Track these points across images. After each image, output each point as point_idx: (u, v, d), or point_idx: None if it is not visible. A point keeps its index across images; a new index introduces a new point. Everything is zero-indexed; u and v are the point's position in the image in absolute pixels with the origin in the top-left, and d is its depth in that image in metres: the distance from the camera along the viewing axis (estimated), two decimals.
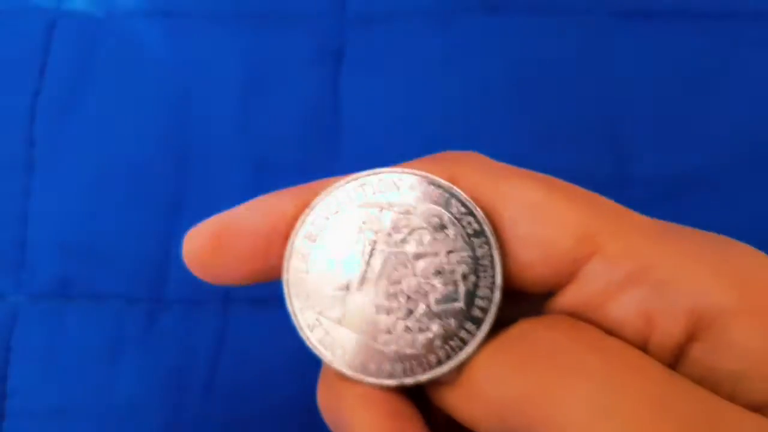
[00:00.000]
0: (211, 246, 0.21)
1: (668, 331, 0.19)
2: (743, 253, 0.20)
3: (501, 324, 0.20)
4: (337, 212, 0.21)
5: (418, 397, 0.21)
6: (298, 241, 0.21)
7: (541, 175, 0.21)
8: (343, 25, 0.36)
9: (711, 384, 0.18)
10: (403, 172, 0.21)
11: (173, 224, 0.33)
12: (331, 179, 0.22)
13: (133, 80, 0.35)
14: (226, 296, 0.33)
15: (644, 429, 0.16)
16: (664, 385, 0.17)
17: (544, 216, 0.20)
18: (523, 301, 0.21)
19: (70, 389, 0.31)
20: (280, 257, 0.21)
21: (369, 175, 0.22)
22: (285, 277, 0.21)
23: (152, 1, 0.36)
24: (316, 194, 0.22)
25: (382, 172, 0.22)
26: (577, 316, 0.20)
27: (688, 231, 0.20)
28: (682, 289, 0.19)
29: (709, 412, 0.17)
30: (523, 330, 0.20)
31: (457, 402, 0.20)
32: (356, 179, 0.22)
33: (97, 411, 0.31)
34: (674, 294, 0.19)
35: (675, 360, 0.19)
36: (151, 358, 0.32)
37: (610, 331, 0.19)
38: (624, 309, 0.19)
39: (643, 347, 0.19)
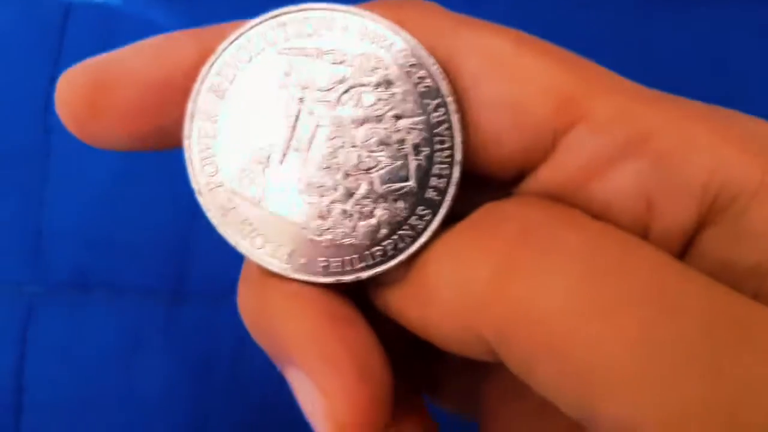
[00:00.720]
0: (86, 98, 0.16)
1: (674, 214, 0.15)
2: (760, 123, 0.16)
3: (455, 218, 0.16)
4: (250, 60, 0.16)
5: (357, 296, 0.17)
6: (203, 97, 0.16)
7: (510, 28, 0.17)
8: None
9: (728, 281, 0.14)
10: (335, 9, 0.16)
11: (194, 214, 0.32)
12: (247, 20, 0.17)
13: None
14: None
15: (651, 332, 0.12)
16: (670, 275, 0.13)
17: (515, 73, 0.16)
18: (481, 190, 0.17)
19: (88, 382, 0.31)
20: (176, 118, 0.17)
21: (291, 12, 0.16)
22: (186, 143, 0.17)
23: None
24: (224, 37, 0.17)
25: (309, 8, 0.16)
26: (553, 199, 0.16)
27: (686, 100, 0.16)
28: (692, 161, 0.15)
29: (732, 311, 0.13)
30: (487, 211, 0.16)
31: (406, 305, 0.16)
32: (275, 17, 0.17)
33: (116, 404, 0.30)
34: (682, 167, 0.15)
35: (681, 253, 0.15)
36: (172, 351, 0.31)
37: (597, 218, 0.15)
38: (616, 187, 0.15)
39: (641, 237, 0.15)
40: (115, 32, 0.34)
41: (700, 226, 0.15)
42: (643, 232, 0.15)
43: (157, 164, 0.32)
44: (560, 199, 0.16)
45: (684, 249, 0.15)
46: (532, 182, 0.16)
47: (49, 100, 0.33)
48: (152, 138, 0.17)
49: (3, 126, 0.33)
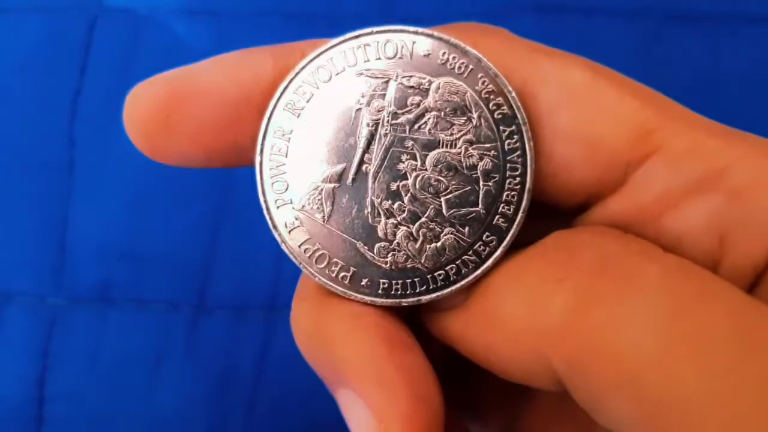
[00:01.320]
0: (159, 114, 0.16)
1: (746, 250, 0.15)
2: None
3: (517, 247, 0.16)
4: (329, 79, 0.16)
5: (410, 321, 0.17)
6: (278, 114, 0.16)
7: (584, 58, 0.17)
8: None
9: None
10: (418, 33, 0.16)
11: (217, 228, 0.32)
12: (324, 40, 0.17)
13: None
14: (270, 303, 0.31)
15: (731, 372, 0.12)
16: (750, 314, 0.13)
17: (591, 104, 0.16)
18: (546, 218, 0.17)
19: (110, 395, 0.30)
20: (252, 136, 0.17)
21: (373, 33, 0.17)
22: (258, 159, 0.17)
23: (197, 0, 0.35)
24: (302, 54, 0.17)
25: (391, 30, 0.17)
26: (624, 230, 0.16)
27: (756, 137, 0.16)
28: (766, 198, 0.15)
29: None
30: (559, 239, 0.15)
31: (468, 332, 0.16)
32: (356, 37, 0.17)
33: (139, 418, 0.30)
34: (756, 204, 0.15)
35: (750, 288, 0.15)
36: (195, 365, 0.31)
37: (668, 251, 0.15)
38: (690, 222, 0.15)
39: (711, 271, 0.15)
40: (141, 43, 0.35)
41: None
42: (713, 266, 0.15)
43: (180, 179, 0.32)
44: (629, 230, 0.16)
45: (753, 284, 0.15)
46: (600, 212, 0.16)
47: (75, 113, 0.33)
48: (225, 155, 0.17)
49: (28, 138, 0.33)
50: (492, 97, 0.16)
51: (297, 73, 0.17)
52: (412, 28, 0.17)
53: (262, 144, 0.17)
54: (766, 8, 0.35)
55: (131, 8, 0.35)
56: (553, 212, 0.17)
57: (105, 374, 0.31)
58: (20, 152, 0.33)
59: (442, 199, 0.16)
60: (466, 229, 0.16)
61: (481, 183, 0.16)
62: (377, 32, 0.17)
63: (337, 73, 0.17)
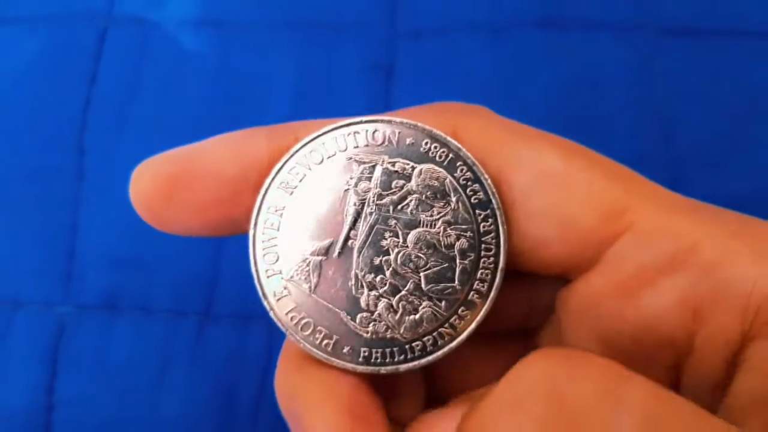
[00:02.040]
0: (163, 190, 0.17)
1: (720, 325, 0.16)
2: None
3: (498, 314, 0.18)
4: (321, 162, 0.18)
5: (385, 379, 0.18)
6: (272, 192, 0.18)
7: (557, 137, 0.18)
8: (394, 38, 0.35)
9: None
10: (403, 124, 0.18)
11: (222, 238, 0.32)
12: (316, 121, 0.18)
13: (184, 90, 0.34)
14: None
15: None
16: None
17: (562, 187, 0.17)
18: (530, 284, 0.18)
19: (118, 401, 0.31)
20: (247, 210, 0.18)
21: (363, 122, 0.18)
22: (251, 233, 0.18)
23: (203, 10, 0.36)
24: (295, 137, 0.18)
25: (379, 120, 0.18)
26: (604, 306, 0.17)
27: (724, 210, 0.17)
28: (737, 273, 0.15)
29: None
30: (514, 378, 0.15)
31: None
32: (348, 125, 0.18)
33: (146, 424, 0.30)
34: (727, 279, 0.15)
35: (728, 363, 0.16)
36: (200, 373, 0.31)
37: (646, 325, 0.16)
38: (664, 298, 0.16)
39: (688, 344, 0.16)
40: (150, 54, 0.35)
41: (746, 338, 0.15)
42: (689, 339, 0.16)
43: None
44: (608, 305, 0.17)
45: (733, 360, 0.16)
46: (582, 288, 0.17)
47: (84, 122, 0.34)
48: (224, 227, 0.18)
49: (38, 146, 0.34)
50: (469, 183, 0.18)
51: (292, 155, 0.18)
52: (398, 119, 0.18)
53: (256, 219, 0.18)
54: (765, 23, 0.36)
55: (140, 19, 0.36)
56: (536, 277, 0.18)
57: (112, 381, 0.31)
58: (30, 161, 0.34)
59: (422, 274, 0.18)
60: (443, 303, 0.18)
61: (457, 261, 0.18)
62: (366, 122, 0.18)
63: (329, 157, 0.18)
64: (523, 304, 0.18)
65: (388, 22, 0.35)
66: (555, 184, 0.17)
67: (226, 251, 0.32)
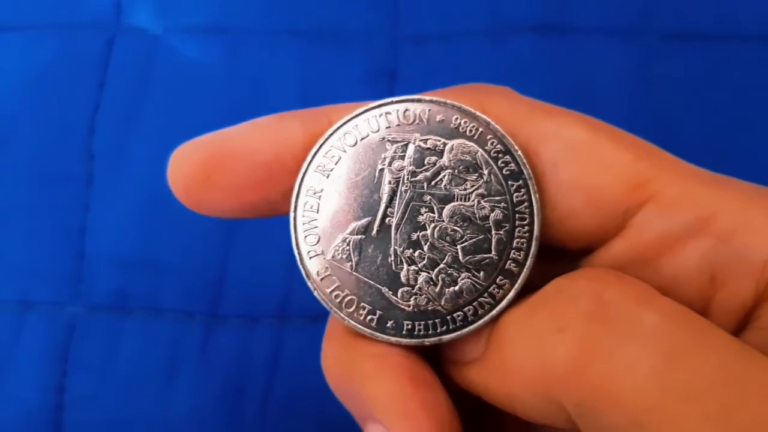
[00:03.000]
0: (200, 174, 0.18)
1: (736, 289, 0.16)
2: None
3: (530, 288, 0.18)
4: (355, 144, 0.18)
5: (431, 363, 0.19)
6: (310, 175, 0.18)
7: (580, 114, 0.18)
8: (397, 44, 0.36)
9: None
10: (433, 101, 0.18)
11: (230, 238, 0.33)
12: (347, 105, 0.19)
13: (190, 95, 0.35)
14: (281, 312, 0.32)
15: (726, 416, 0.14)
16: (737, 359, 0.15)
17: (590, 159, 0.17)
18: (556, 259, 0.19)
19: (127, 401, 0.31)
20: (283, 192, 0.18)
21: (393, 102, 0.18)
22: (292, 215, 0.18)
23: (209, 17, 0.36)
24: (328, 120, 0.18)
25: (409, 100, 0.19)
26: (624, 272, 0.17)
27: (741, 181, 0.18)
28: (753, 240, 0.16)
29: None
30: (560, 286, 0.17)
31: (489, 381, 0.18)
32: (379, 107, 0.18)
33: (154, 424, 0.31)
34: (743, 246, 0.16)
35: (740, 325, 0.17)
36: (208, 373, 0.31)
37: (665, 290, 0.17)
38: (683, 264, 0.17)
39: (704, 309, 0.17)
40: (157, 60, 0.36)
41: (758, 300, 0.16)
42: (706, 304, 0.17)
43: None
44: (629, 271, 0.17)
45: (744, 320, 0.17)
46: (603, 255, 0.18)
47: (93, 127, 0.35)
48: (258, 208, 0.19)
49: (48, 151, 0.34)
50: (500, 155, 0.18)
51: (326, 139, 0.18)
52: (427, 97, 0.18)
53: (296, 202, 0.18)
54: (762, 27, 0.36)
55: (147, 27, 0.36)
56: (562, 253, 0.19)
57: (122, 381, 0.32)
58: (41, 165, 0.34)
59: (458, 247, 0.18)
60: (481, 273, 0.18)
61: (493, 232, 0.18)
62: (396, 102, 0.18)
63: (362, 138, 0.18)
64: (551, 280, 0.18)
65: (391, 28, 0.36)
66: (582, 156, 0.17)
67: (233, 252, 0.33)
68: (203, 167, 0.18)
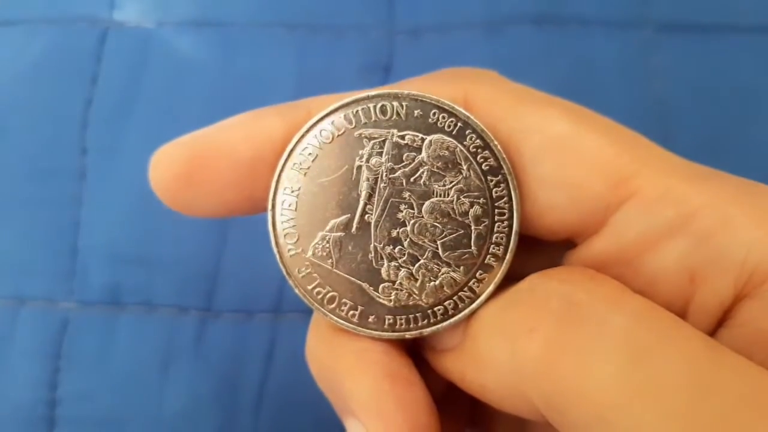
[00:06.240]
0: (182, 174, 0.18)
1: (715, 288, 0.16)
2: None
3: (511, 279, 0.18)
4: (331, 140, 0.18)
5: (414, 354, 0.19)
6: (287, 172, 0.18)
7: (567, 102, 0.18)
8: (392, 37, 0.36)
9: (764, 348, 0.16)
10: (411, 96, 0.18)
11: (224, 233, 0.33)
12: (326, 97, 0.19)
13: (184, 90, 0.34)
14: (276, 307, 0.32)
15: (687, 414, 0.14)
16: (706, 358, 0.15)
17: (571, 153, 0.17)
18: (538, 252, 0.19)
19: (121, 397, 0.31)
20: (265, 188, 0.18)
21: (370, 97, 0.18)
22: (270, 215, 0.18)
23: (203, 11, 0.36)
24: (307, 113, 0.18)
25: (386, 95, 0.18)
26: (604, 270, 0.17)
27: (727, 176, 0.18)
28: (732, 239, 0.16)
29: (759, 392, 0.14)
30: (534, 285, 0.17)
31: (464, 372, 0.18)
32: (356, 101, 0.18)
33: (148, 420, 0.31)
34: (723, 245, 0.16)
35: (717, 323, 0.17)
36: (202, 368, 0.31)
37: (644, 289, 0.17)
38: (663, 262, 0.17)
39: (683, 308, 0.17)
40: (150, 55, 0.35)
41: (737, 298, 0.16)
42: (685, 303, 0.17)
43: None
44: (610, 270, 0.17)
45: (723, 318, 0.17)
46: (584, 251, 0.18)
47: (86, 122, 0.34)
48: (242, 207, 0.19)
49: (41, 146, 0.34)
50: (479, 150, 0.18)
51: (302, 136, 0.18)
52: (405, 92, 0.18)
53: (273, 200, 0.18)
54: (760, 18, 0.36)
55: (140, 21, 0.36)
56: (544, 244, 0.19)
57: (115, 376, 0.31)
58: (33, 160, 0.34)
59: (438, 242, 0.18)
60: (461, 268, 0.18)
61: (472, 227, 0.18)
62: (373, 96, 0.18)
63: (339, 135, 0.18)
64: (531, 271, 0.18)
65: (385, 20, 0.36)
66: (564, 150, 0.17)
67: (227, 247, 0.33)
68: (184, 168, 0.18)
